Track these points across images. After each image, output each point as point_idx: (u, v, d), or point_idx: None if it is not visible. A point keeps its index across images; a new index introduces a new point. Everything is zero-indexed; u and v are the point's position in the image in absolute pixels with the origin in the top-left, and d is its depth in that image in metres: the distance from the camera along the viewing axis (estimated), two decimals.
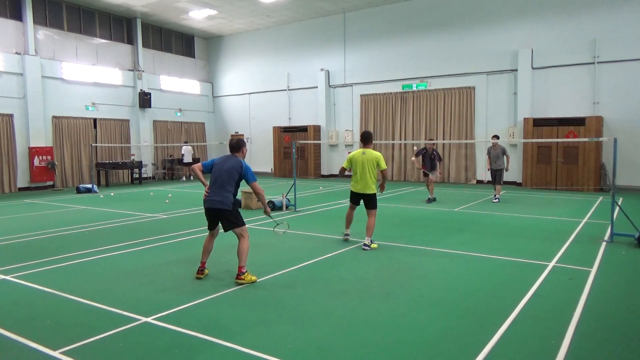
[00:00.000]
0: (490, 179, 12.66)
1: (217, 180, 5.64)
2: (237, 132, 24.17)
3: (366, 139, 7.33)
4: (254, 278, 5.54)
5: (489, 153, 12.36)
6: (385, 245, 7.41)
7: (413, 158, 12.89)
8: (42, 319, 4.52)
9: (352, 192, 7.44)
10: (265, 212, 5.95)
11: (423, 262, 6.48)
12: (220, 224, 5.73)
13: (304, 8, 19.52)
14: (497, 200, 12.16)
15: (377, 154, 7.19)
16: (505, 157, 12.14)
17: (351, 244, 7.43)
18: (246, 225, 5.74)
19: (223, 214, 5.59)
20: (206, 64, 25.04)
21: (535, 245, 7.35)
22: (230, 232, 5.63)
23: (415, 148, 12.98)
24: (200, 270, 5.72)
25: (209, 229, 5.85)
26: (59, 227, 9.47)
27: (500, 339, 3.92)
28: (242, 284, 5.44)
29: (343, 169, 7.53)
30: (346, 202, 12.93)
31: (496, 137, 12.33)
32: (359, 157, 7.21)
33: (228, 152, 5.94)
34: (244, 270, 5.51)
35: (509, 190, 15.06)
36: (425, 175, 12.65)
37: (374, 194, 7.26)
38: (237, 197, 5.80)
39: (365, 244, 7.12)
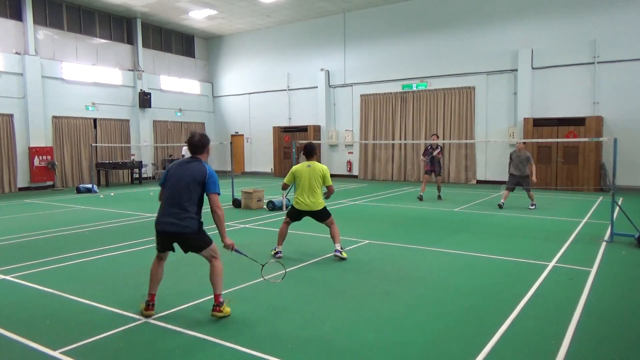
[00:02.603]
0: (509, 185, 11.45)
1: (174, 197, 4.36)
2: (237, 132, 24.18)
3: (309, 152, 6.67)
4: (228, 310, 4.46)
5: (511, 157, 11.40)
6: (385, 245, 7.41)
7: (422, 158, 13.10)
8: (42, 319, 4.52)
9: (294, 210, 6.69)
10: (225, 245, 4.50)
11: (423, 262, 6.48)
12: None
13: (304, 8, 19.52)
14: (533, 207, 11.10)
15: (324, 167, 6.63)
16: (529, 164, 11.19)
17: (351, 244, 7.42)
18: (213, 242, 4.55)
19: (182, 239, 4.43)
20: (206, 64, 25.04)
21: (535, 245, 7.35)
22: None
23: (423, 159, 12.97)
24: (150, 305, 4.48)
25: (159, 251, 4.59)
26: (59, 227, 9.47)
27: (500, 339, 3.92)
28: (219, 317, 4.38)
29: (286, 185, 6.84)
30: (346, 202, 13.06)
31: (524, 144, 11.53)
32: (304, 171, 6.53)
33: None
34: (222, 300, 4.45)
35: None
36: (427, 173, 12.94)
37: (324, 207, 6.66)
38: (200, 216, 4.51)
39: (337, 250, 6.55)
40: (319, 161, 21.19)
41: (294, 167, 6.68)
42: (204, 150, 4.55)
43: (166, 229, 4.39)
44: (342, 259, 6.48)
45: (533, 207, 11.24)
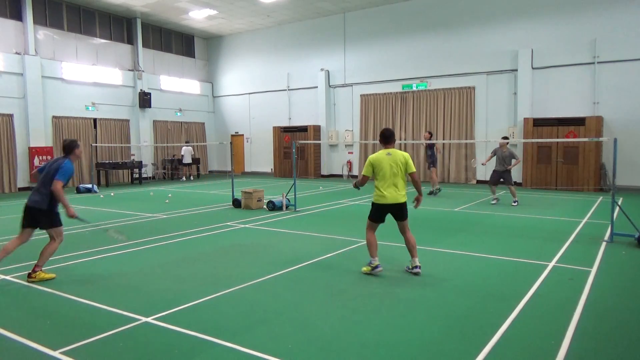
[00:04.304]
0: (492, 181, 11.96)
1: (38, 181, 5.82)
2: (237, 132, 24.19)
3: (389, 137, 5.79)
4: (49, 275, 5.74)
5: (494, 153, 11.92)
6: (385, 245, 7.40)
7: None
8: (42, 319, 4.52)
9: (378, 206, 5.77)
10: (69, 214, 5.70)
11: (423, 262, 6.47)
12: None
13: (304, 8, 19.52)
14: (515, 203, 11.46)
15: (405, 153, 5.77)
16: (513, 160, 11.59)
17: (351, 244, 7.43)
18: (62, 227, 5.89)
19: (39, 214, 5.70)
20: (206, 64, 25.04)
21: (535, 245, 7.35)
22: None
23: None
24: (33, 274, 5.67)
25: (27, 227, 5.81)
26: None
27: (500, 339, 3.92)
28: (33, 281, 5.61)
29: (366, 178, 5.83)
30: (346, 202, 13.03)
31: (506, 138, 11.86)
32: (385, 160, 5.66)
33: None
34: (39, 269, 5.71)
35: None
36: (429, 168, 14.05)
37: (406, 202, 5.80)
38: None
39: (417, 266, 5.79)
40: (319, 159, 21.26)
41: (372, 157, 5.75)
42: (72, 151, 5.92)
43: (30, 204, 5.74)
44: (416, 274, 5.78)
45: (515, 204, 11.57)
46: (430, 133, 13.95)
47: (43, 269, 5.75)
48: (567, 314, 4.45)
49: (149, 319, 4.41)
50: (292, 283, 5.57)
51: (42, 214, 5.69)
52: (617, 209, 7.91)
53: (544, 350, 3.72)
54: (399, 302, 4.86)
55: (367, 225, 5.93)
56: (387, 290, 5.24)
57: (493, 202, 11.97)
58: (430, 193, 13.41)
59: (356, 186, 6.04)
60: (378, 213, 5.84)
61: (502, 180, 11.75)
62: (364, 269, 5.82)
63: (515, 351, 3.71)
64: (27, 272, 5.76)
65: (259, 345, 3.83)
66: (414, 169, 5.78)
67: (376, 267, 5.72)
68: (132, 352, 3.78)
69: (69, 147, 5.89)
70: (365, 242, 5.98)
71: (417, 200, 5.91)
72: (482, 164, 12.53)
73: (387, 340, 3.93)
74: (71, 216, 5.72)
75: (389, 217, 5.94)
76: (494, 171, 11.97)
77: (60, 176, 5.57)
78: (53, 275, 5.79)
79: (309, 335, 4.07)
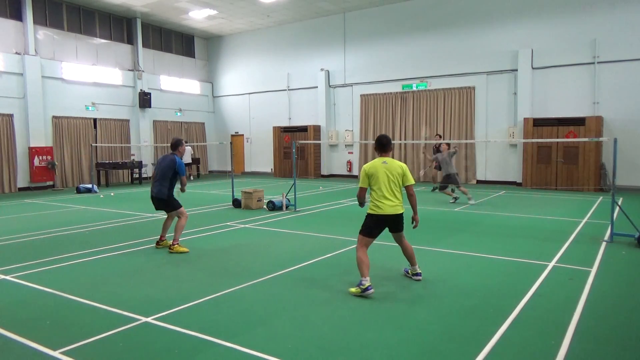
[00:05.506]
0: (442, 184, 12.16)
1: (157, 175, 7.27)
2: (237, 132, 24.19)
3: (385, 145, 5.39)
4: (183, 249, 7.07)
5: (436, 159, 12.05)
6: (385, 245, 7.40)
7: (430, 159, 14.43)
8: (42, 319, 4.52)
9: (374, 218, 5.29)
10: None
11: (423, 262, 6.46)
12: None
13: (304, 8, 19.52)
14: (471, 200, 11.72)
15: (403, 164, 5.39)
16: (455, 155, 11.77)
17: (351, 244, 7.42)
18: (182, 207, 7.35)
19: (161, 202, 7.26)
20: (206, 64, 25.04)
21: (535, 245, 7.35)
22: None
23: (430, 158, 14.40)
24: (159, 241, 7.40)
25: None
26: (59, 227, 9.47)
27: (500, 339, 3.92)
28: (172, 252, 7.02)
29: (363, 190, 5.35)
30: (346, 202, 13.03)
31: (447, 145, 12.23)
32: (381, 168, 5.26)
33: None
34: (176, 243, 7.10)
35: (509, 190, 15.06)
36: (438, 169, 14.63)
37: (403, 213, 5.40)
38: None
39: (418, 273, 5.63)
40: (319, 159, 21.26)
41: (366, 166, 5.33)
42: (176, 148, 7.34)
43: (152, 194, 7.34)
44: (417, 280, 5.61)
45: (472, 201, 11.76)
46: (440, 135, 15.11)
47: (179, 241, 7.19)
48: (567, 314, 4.45)
49: (149, 319, 4.41)
50: (292, 283, 5.56)
51: (163, 202, 7.18)
52: (617, 209, 7.91)
53: (544, 350, 3.72)
54: (399, 302, 4.86)
55: (358, 241, 5.32)
56: (387, 290, 5.24)
57: (451, 201, 12.20)
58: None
59: (360, 203, 5.49)
60: (373, 225, 5.29)
61: (449, 182, 12.00)
62: (353, 290, 5.08)
63: (515, 351, 3.71)
64: (26, 272, 5.74)
65: (259, 345, 3.83)
66: (412, 182, 5.34)
67: (367, 288, 4.99)
68: (132, 352, 3.78)
69: (175, 145, 7.29)
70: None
71: (415, 221, 5.46)
72: (423, 172, 13.02)
73: (387, 340, 3.93)
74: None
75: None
76: (443, 177, 12.16)
77: (181, 172, 7.17)
78: (187, 249, 7.09)
79: (309, 335, 4.07)
